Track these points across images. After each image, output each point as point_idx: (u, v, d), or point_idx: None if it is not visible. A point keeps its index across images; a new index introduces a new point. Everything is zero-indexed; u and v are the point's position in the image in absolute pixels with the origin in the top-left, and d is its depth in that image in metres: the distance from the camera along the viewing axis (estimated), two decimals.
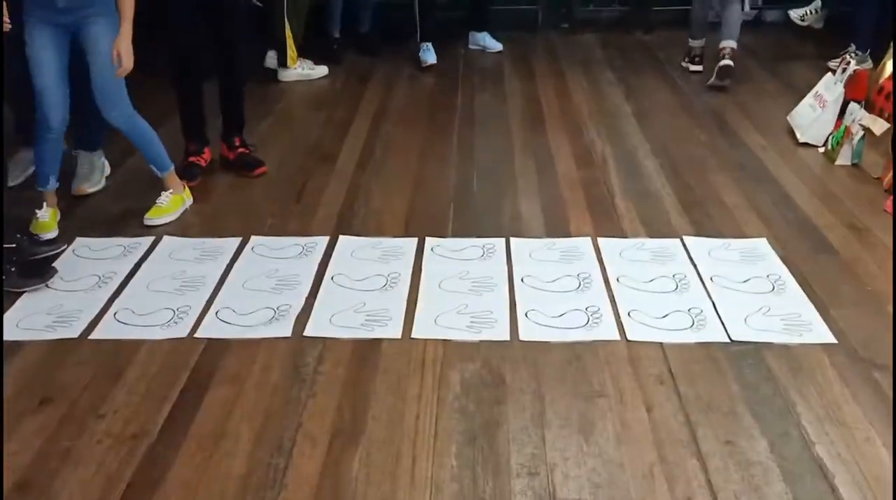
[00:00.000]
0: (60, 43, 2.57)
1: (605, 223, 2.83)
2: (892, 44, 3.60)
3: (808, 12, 4.59)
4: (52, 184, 2.74)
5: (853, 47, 4.35)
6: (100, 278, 2.47)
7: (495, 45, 5.03)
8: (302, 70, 4.54)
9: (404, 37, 4.82)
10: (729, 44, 4.23)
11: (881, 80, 3.48)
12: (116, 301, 2.35)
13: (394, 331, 2.19)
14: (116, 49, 2.55)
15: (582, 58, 4.90)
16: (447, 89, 4.37)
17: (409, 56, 4.76)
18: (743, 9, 4.30)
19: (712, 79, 4.19)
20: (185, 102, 3.17)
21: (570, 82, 4.43)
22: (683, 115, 3.93)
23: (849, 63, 3.49)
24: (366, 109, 4.04)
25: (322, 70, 4.59)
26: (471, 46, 5.05)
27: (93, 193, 3.03)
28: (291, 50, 4.48)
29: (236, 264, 2.56)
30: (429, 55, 4.67)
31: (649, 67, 4.69)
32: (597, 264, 2.54)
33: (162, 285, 2.44)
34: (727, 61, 4.14)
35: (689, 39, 4.57)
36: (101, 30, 2.56)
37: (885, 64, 3.55)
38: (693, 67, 4.53)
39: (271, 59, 4.54)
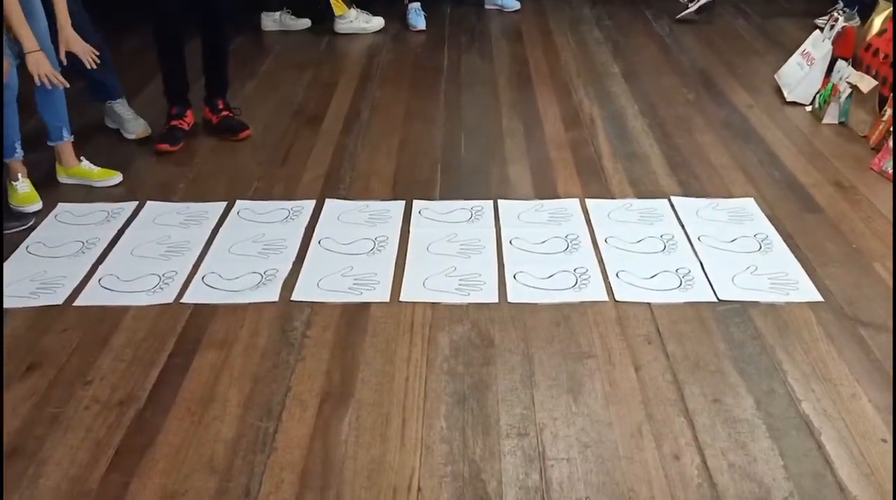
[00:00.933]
0: None
1: (593, 184, 2.82)
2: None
3: None
4: (20, 152, 2.64)
5: (841, 4, 4.33)
6: (83, 243, 2.44)
7: (513, 4, 4.92)
8: (356, 22, 4.46)
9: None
10: None
11: (869, 37, 3.45)
12: (101, 267, 2.33)
13: (382, 295, 2.18)
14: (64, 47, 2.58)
15: (570, 16, 4.84)
16: (434, 49, 4.30)
17: (397, 15, 4.68)
18: None
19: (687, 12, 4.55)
20: (167, 63, 3.10)
21: (557, 41, 4.38)
22: (671, 74, 3.90)
23: (836, 20, 3.46)
24: (351, 70, 3.99)
25: (379, 22, 4.51)
26: (487, 6, 4.95)
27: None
28: None
29: (222, 229, 2.53)
30: (418, 20, 4.58)
31: (637, 25, 4.64)
32: (585, 225, 2.53)
33: (146, 250, 2.41)
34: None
35: None
36: None
37: (872, 20, 3.51)
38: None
39: (270, 21, 4.44)
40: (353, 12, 4.49)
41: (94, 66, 2.72)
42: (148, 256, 2.38)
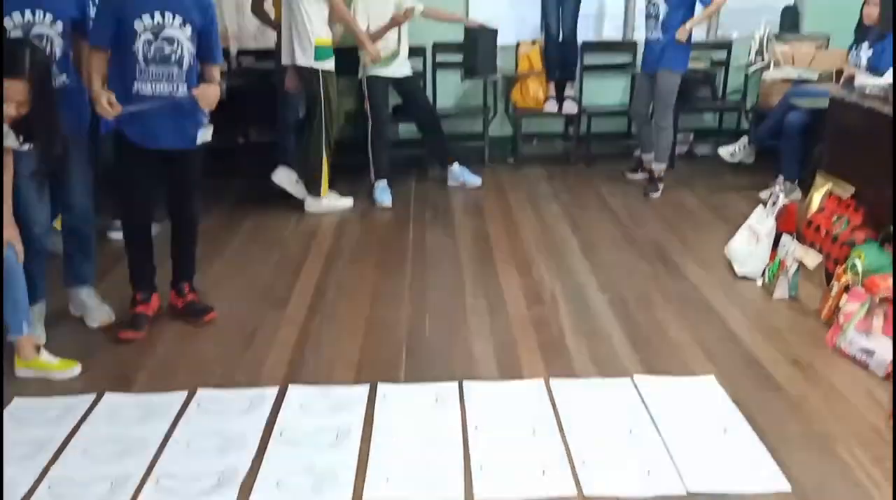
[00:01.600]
0: None
1: (557, 363, 2.84)
2: (816, 177, 3.82)
3: (738, 149, 4.87)
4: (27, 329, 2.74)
5: (782, 178, 4.63)
6: (36, 443, 2.36)
7: (474, 180, 5.15)
8: (329, 201, 4.61)
9: (357, 173, 4.93)
10: (658, 166, 4.89)
11: (809, 214, 3.66)
12: (52, 470, 2.24)
13: (344, 495, 2.12)
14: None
15: (528, 191, 5.07)
16: (400, 226, 4.45)
17: (365, 191, 4.86)
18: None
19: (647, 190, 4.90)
20: (135, 253, 3.15)
21: (517, 217, 4.56)
22: (628, 248, 4.05)
23: (778, 197, 3.67)
24: (319, 249, 4.08)
25: (347, 201, 4.68)
26: (450, 182, 5.17)
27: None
28: (325, 180, 4.56)
29: (181, 423, 2.47)
30: (384, 196, 4.77)
31: (592, 199, 4.87)
32: (550, 408, 2.52)
33: (101, 449, 2.33)
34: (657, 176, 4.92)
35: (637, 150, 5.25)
36: None
37: (811, 197, 3.75)
38: (634, 176, 5.17)
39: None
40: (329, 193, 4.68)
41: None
42: (102, 457, 2.30)
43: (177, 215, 3.21)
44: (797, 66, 5.14)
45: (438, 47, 5.62)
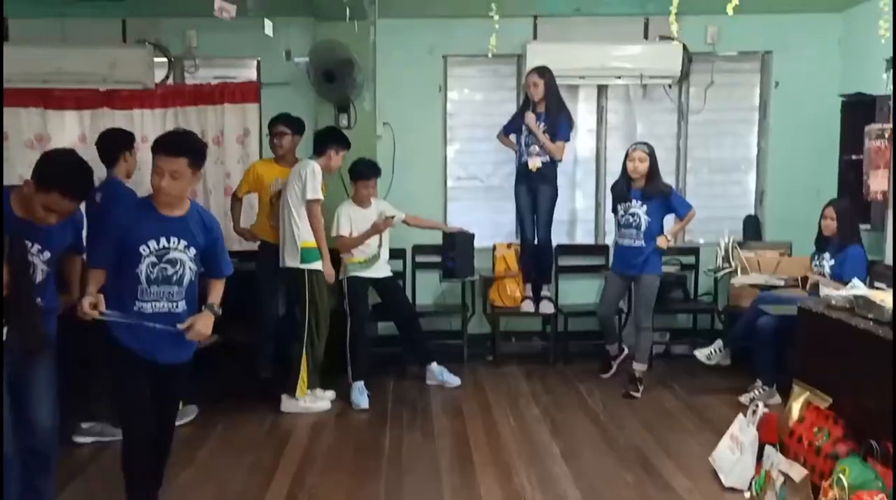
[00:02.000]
0: None
1: None
2: (793, 385, 3.84)
3: (713, 352, 4.94)
4: None
5: (759, 383, 4.66)
6: None
7: (453, 380, 5.12)
8: (306, 402, 4.55)
9: (335, 373, 4.88)
10: (640, 367, 4.97)
11: (791, 423, 3.64)
12: None
13: None
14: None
15: (507, 390, 5.03)
16: (376, 428, 4.35)
17: (341, 393, 4.79)
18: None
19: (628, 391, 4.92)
20: (136, 465, 2.96)
21: (497, 419, 4.49)
22: (609, 452, 3.97)
23: (758, 406, 3.67)
24: (292, 453, 3.95)
25: (324, 404, 4.60)
26: (428, 382, 5.14)
27: None
28: (304, 380, 4.52)
29: None
30: (361, 399, 4.71)
31: (573, 400, 4.83)
32: None
33: None
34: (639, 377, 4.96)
35: (606, 345, 5.31)
36: None
37: (790, 406, 3.74)
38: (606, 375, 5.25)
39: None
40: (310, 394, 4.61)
41: None
42: None
43: (159, 427, 3.05)
44: (763, 272, 5.36)
45: (418, 249, 5.82)
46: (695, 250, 5.99)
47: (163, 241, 2.86)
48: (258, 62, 5.76)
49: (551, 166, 5.36)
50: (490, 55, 5.24)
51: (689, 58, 5.86)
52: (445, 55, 5.89)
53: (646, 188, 4.85)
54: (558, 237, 5.87)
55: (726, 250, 5.44)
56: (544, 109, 5.31)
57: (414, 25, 5.75)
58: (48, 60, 5.36)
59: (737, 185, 6.26)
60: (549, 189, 5.39)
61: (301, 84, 5.53)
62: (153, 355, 2.91)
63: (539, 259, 5.56)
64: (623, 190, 4.93)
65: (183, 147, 2.84)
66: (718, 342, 4.96)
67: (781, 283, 5.09)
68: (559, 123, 5.30)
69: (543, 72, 5.29)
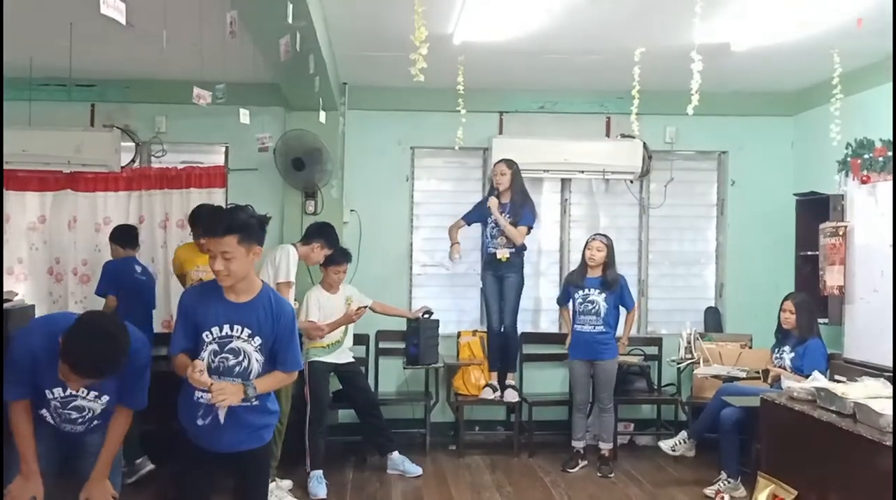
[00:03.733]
0: None
1: None
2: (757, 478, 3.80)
3: (678, 443, 4.89)
4: None
5: (724, 475, 4.61)
6: None
7: (415, 470, 5.00)
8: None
9: (292, 461, 4.71)
10: (607, 446, 5.17)
11: None
12: None
13: None
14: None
15: (470, 482, 4.90)
16: None
17: (298, 482, 4.61)
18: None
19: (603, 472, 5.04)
20: None
21: None
22: None
23: (723, 498, 3.61)
24: None
25: (281, 494, 4.38)
26: (389, 471, 5.01)
27: None
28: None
29: None
30: (319, 488, 4.55)
31: (536, 494, 4.71)
32: None
33: None
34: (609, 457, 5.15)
35: (572, 441, 5.26)
36: None
37: (756, 499, 3.70)
38: (573, 471, 5.14)
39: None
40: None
41: None
42: None
43: None
44: (725, 363, 5.40)
45: (382, 335, 5.76)
46: (657, 341, 6.02)
47: (226, 328, 2.67)
48: (226, 148, 5.81)
49: (518, 255, 5.42)
50: (457, 148, 5.38)
51: (649, 155, 6.07)
52: (413, 146, 6.02)
53: (604, 276, 5.10)
54: (523, 326, 5.87)
55: (688, 341, 5.50)
56: (509, 200, 5.40)
57: (383, 117, 5.91)
58: (13, 142, 5.34)
59: (697, 277, 6.38)
60: (515, 277, 5.42)
61: (268, 170, 5.59)
62: (208, 443, 2.72)
63: (505, 347, 5.53)
64: (579, 278, 5.13)
65: (226, 224, 2.60)
66: (683, 433, 4.93)
67: (743, 374, 5.13)
68: (523, 212, 5.38)
69: (511, 164, 5.41)
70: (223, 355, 2.67)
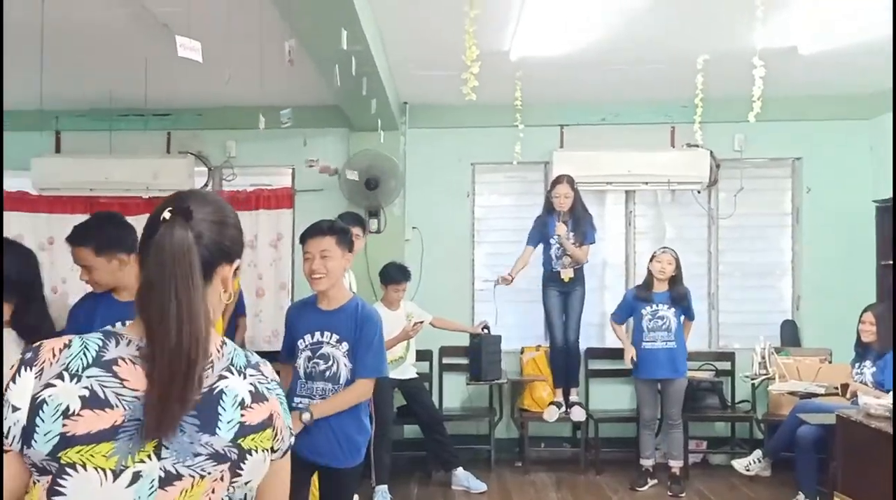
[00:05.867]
0: None
1: None
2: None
3: (752, 462, 4.72)
4: None
5: (802, 496, 4.41)
6: None
7: (479, 486, 4.99)
8: None
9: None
10: (677, 464, 5.02)
11: None
12: None
13: None
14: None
15: (535, 497, 4.84)
16: None
17: (364, 496, 4.66)
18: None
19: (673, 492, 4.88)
20: None
21: None
22: None
23: None
24: None
25: None
26: (454, 487, 5.02)
27: None
28: None
29: None
30: None
31: None
32: None
33: None
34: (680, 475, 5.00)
35: (640, 459, 5.13)
36: None
37: None
38: (643, 489, 4.99)
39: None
40: None
41: None
42: None
43: None
44: (803, 379, 5.18)
45: (445, 350, 5.78)
46: (730, 356, 5.83)
47: (317, 335, 2.87)
48: (293, 170, 5.98)
49: (580, 269, 5.37)
50: (515, 163, 5.37)
51: (716, 164, 5.92)
52: (473, 162, 6.05)
53: (673, 290, 4.96)
54: (587, 341, 5.78)
55: (762, 356, 5.30)
56: (570, 218, 5.30)
57: (443, 134, 5.97)
58: (97, 170, 5.65)
59: (771, 289, 6.15)
60: (579, 291, 5.36)
61: (333, 191, 5.72)
62: (303, 453, 2.78)
63: (569, 362, 5.45)
64: (647, 293, 4.99)
65: (328, 228, 2.86)
66: (757, 452, 4.75)
67: (821, 390, 4.91)
68: (586, 230, 5.30)
69: (573, 183, 5.29)
70: (315, 360, 2.87)
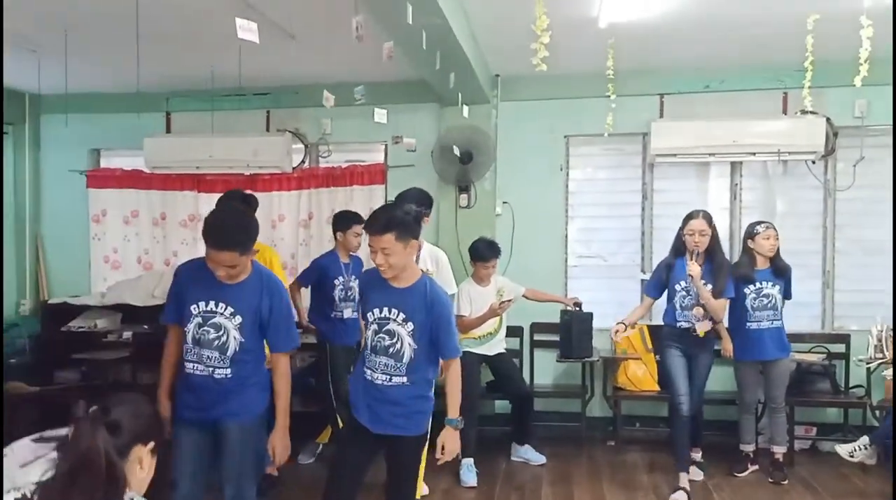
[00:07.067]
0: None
1: None
2: None
3: (857, 448, 4.40)
4: None
5: None
6: None
7: (538, 458, 5.01)
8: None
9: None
10: (780, 450, 4.75)
11: None
12: None
13: None
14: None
15: (625, 481, 4.73)
16: None
17: (449, 467, 4.71)
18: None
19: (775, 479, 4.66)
20: None
21: None
22: None
23: None
24: None
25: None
26: (513, 458, 5.04)
27: None
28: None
29: None
30: (469, 476, 4.63)
31: (696, 497, 4.45)
32: None
33: None
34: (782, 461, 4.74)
35: (740, 445, 4.88)
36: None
37: None
38: (743, 475, 4.79)
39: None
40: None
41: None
42: None
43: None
44: None
45: (536, 327, 5.71)
46: (844, 338, 5.45)
47: (385, 311, 2.92)
48: (385, 146, 6.04)
49: (712, 329, 4.50)
50: (606, 134, 5.15)
51: (834, 132, 5.49)
52: (567, 135, 5.89)
53: (773, 266, 4.69)
54: None
55: (879, 339, 4.92)
56: (704, 261, 4.42)
57: (535, 107, 5.84)
58: (201, 149, 5.92)
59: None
60: (708, 357, 4.53)
61: (424, 166, 5.74)
62: (365, 419, 2.94)
63: (695, 428, 4.69)
64: (750, 270, 4.67)
65: (384, 224, 2.82)
66: (864, 439, 4.43)
67: None
68: (725, 279, 4.42)
69: (710, 219, 4.44)
70: (381, 335, 2.91)
